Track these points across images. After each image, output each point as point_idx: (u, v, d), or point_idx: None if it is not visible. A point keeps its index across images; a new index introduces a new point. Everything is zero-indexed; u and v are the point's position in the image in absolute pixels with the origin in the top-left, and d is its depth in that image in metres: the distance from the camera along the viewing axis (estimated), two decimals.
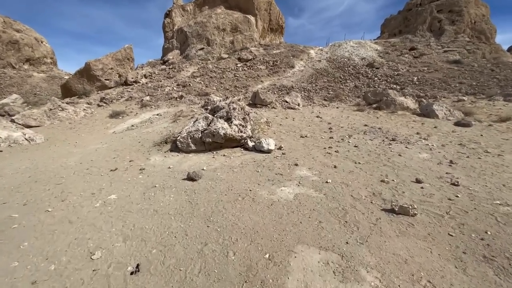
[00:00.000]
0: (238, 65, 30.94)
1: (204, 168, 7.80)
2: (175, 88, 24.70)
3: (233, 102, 10.59)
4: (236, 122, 9.67)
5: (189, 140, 9.57)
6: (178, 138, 9.74)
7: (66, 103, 18.97)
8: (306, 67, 30.62)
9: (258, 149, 9.29)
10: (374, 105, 17.92)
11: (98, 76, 28.30)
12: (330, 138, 10.69)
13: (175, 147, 9.86)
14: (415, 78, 25.14)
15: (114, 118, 16.78)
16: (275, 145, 9.45)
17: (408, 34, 36.28)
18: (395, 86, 24.11)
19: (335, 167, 7.52)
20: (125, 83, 28.51)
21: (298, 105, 18.55)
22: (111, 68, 29.65)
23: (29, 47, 47.26)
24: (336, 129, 12.27)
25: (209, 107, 16.96)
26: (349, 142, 10.04)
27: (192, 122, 10.47)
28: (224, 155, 9.09)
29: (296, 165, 7.66)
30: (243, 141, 9.83)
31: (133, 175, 7.63)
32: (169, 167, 8.13)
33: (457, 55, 30.27)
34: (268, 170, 7.37)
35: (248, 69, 29.92)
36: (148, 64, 36.87)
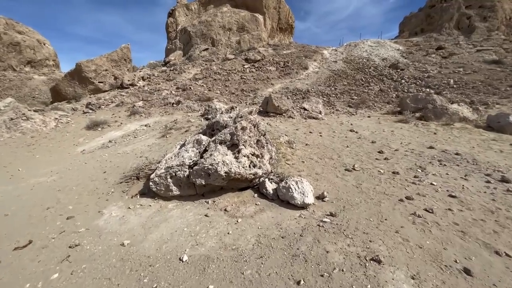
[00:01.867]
0: (245, 66, 26.97)
1: (186, 257, 3.81)
2: (173, 92, 20.84)
3: (241, 117, 6.58)
4: (246, 151, 5.67)
5: (169, 180, 5.62)
6: (152, 177, 5.77)
7: (36, 110, 15.23)
8: (321, 69, 26.50)
9: (284, 198, 5.29)
10: (417, 114, 13.76)
11: (90, 78, 24.58)
12: (393, 173, 6.61)
13: (149, 189, 5.91)
14: (452, 81, 20.82)
15: (92, 129, 12.96)
16: (312, 191, 5.43)
17: (433, 32, 31.85)
18: (428, 90, 19.86)
19: (465, 271, 3.42)
20: (121, 86, 24.80)
21: (320, 113, 14.49)
22: (106, 70, 25.93)
23: (31, 49, 44.13)
24: (390, 154, 8.19)
25: (210, 116, 13.05)
26: (432, 184, 5.91)
27: (177, 148, 6.51)
28: (225, 210, 5.13)
29: (378, 261, 3.54)
30: (256, 180, 5.84)
31: (46, 266, 3.70)
32: (123, 244, 4.18)
33: (493, 54, 25.81)
34: (319, 278, 3.32)
35: (256, 70, 25.92)
36: (148, 66, 33.18)
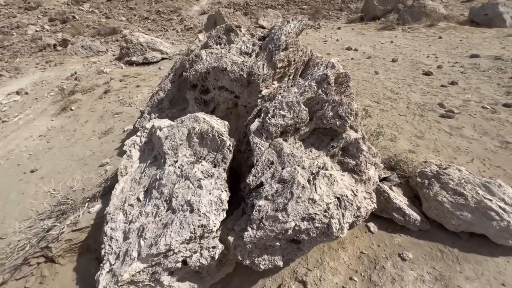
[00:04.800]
0: None
1: None
2: (47, 27, 12.64)
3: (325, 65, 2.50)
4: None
5: None
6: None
7: None
8: None
9: (470, 229, 2.21)
10: (390, 17, 11.32)
11: None
12: (504, 105, 4.10)
13: None
14: None
15: None
16: None
17: None
18: None
19: None
20: None
21: None
22: None
23: None
24: (445, 74, 5.66)
25: (132, 55, 7.81)
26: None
27: (144, 164, 2.28)
28: None
29: None
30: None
31: None
32: None
33: None
34: None
35: None
36: None
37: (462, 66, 6.01)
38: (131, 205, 2.17)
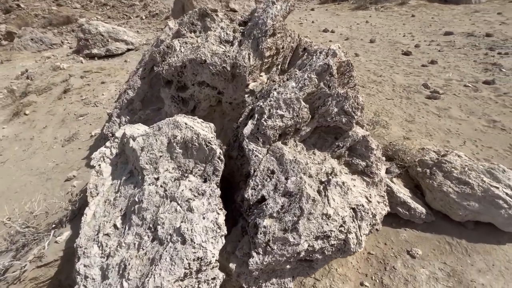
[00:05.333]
0: None
1: None
2: None
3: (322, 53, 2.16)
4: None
5: None
6: None
7: None
8: None
9: (481, 218, 2.12)
10: None
11: None
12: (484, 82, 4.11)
13: None
14: None
15: None
16: None
17: None
18: None
19: None
20: None
21: None
22: None
23: None
24: (423, 53, 5.62)
25: (92, 47, 7.04)
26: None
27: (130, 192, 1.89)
28: None
29: None
30: None
31: None
32: None
33: None
34: None
35: None
36: None
37: (438, 44, 6.01)
38: (107, 234, 1.79)
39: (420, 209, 2.31)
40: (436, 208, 2.37)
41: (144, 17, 11.40)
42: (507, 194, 2.09)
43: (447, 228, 2.31)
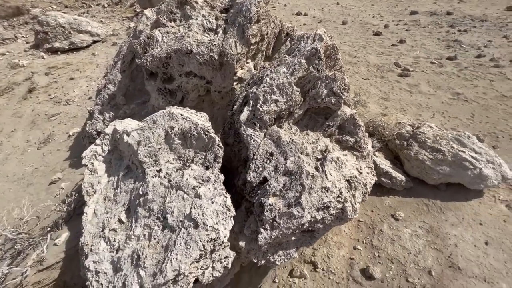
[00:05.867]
0: None
1: None
2: None
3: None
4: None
5: None
6: None
7: None
8: None
9: (449, 179, 2.42)
10: None
11: None
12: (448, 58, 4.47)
13: None
14: None
15: None
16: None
17: None
18: None
19: None
20: None
21: None
22: None
23: None
24: (394, 34, 5.91)
25: (53, 40, 6.56)
26: None
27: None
28: None
29: None
30: None
31: None
32: None
33: None
34: None
35: None
36: None
37: (405, 24, 6.34)
38: (114, 229, 1.82)
39: (400, 177, 2.57)
40: (414, 175, 2.64)
41: (106, 5, 10.61)
42: (472, 156, 2.39)
43: (424, 192, 2.60)
